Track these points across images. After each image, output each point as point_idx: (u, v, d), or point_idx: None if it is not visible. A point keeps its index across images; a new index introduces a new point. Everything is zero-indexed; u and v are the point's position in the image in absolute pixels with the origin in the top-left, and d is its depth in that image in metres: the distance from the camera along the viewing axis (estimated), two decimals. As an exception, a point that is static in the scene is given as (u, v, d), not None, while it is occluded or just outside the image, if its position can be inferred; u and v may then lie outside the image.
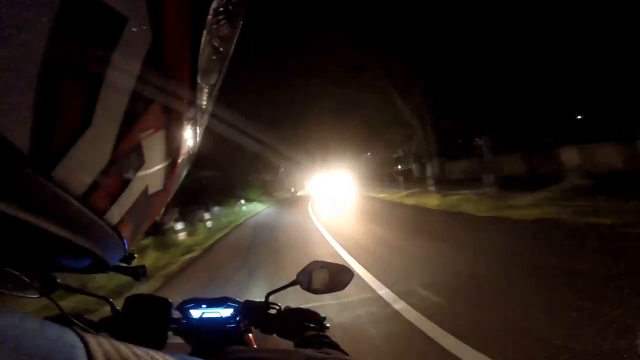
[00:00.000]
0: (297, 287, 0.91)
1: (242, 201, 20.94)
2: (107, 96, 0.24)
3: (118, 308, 0.88)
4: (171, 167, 0.36)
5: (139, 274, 0.74)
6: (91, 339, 0.22)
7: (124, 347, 0.23)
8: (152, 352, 0.25)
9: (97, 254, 0.31)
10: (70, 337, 0.21)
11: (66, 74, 0.21)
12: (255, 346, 0.95)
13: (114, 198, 0.30)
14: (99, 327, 0.86)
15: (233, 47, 0.37)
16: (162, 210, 0.45)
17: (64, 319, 0.73)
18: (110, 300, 0.88)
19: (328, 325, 0.92)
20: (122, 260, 0.63)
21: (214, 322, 0.93)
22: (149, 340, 0.84)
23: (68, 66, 0.21)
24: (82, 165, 0.25)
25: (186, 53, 0.29)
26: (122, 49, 0.23)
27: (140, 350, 0.24)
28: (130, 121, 0.27)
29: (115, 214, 0.31)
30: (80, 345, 0.21)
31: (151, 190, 0.35)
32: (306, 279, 0.90)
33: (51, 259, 0.30)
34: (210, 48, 0.32)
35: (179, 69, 0.29)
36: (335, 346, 0.74)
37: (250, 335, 0.96)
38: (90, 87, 0.23)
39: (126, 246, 0.36)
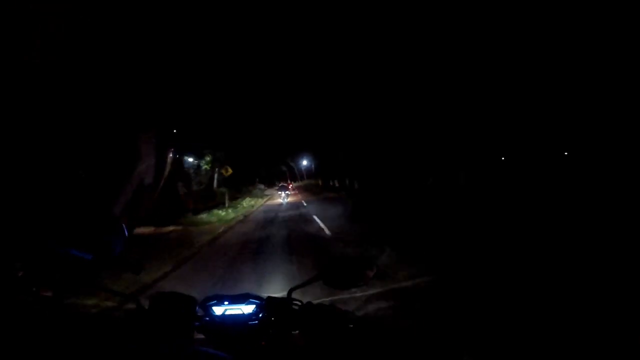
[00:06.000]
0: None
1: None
2: None
3: (144, 305, 0.88)
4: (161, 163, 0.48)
5: (137, 267, 0.85)
6: None
7: None
8: None
9: (104, 240, 0.41)
10: None
11: None
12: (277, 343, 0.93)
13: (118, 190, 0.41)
14: (125, 325, 0.87)
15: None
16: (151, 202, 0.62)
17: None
18: (137, 297, 0.88)
19: (352, 320, 0.89)
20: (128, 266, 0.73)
21: (236, 318, 0.92)
22: (175, 337, 0.83)
23: None
24: None
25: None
26: None
27: None
28: None
29: (119, 203, 0.41)
30: None
31: (146, 182, 0.49)
32: (328, 274, 0.87)
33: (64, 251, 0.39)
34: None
35: None
36: (357, 342, 0.71)
37: (271, 331, 0.94)
38: None
39: (126, 232, 0.45)
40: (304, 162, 47.25)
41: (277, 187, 23.25)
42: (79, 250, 0.57)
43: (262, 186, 39.15)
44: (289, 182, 30.32)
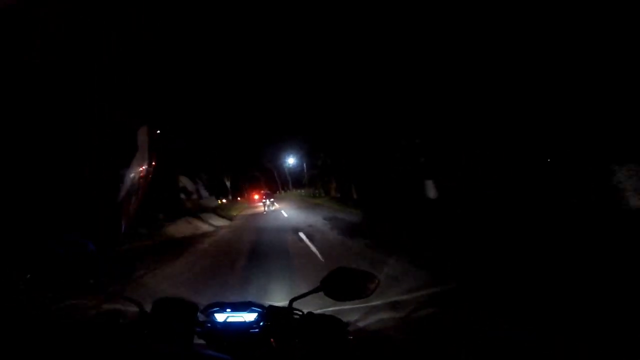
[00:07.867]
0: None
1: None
2: None
3: (147, 310, 0.89)
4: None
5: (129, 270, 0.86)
6: None
7: None
8: None
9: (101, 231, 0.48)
10: None
11: None
12: (277, 351, 0.94)
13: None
14: (128, 329, 0.88)
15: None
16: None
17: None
18: (140, 301, 0.90)
19: (352, 331, 0.89)
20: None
21: (237, 326, 0.93)
22: (176, 342, 0.85)
23: None
24: None
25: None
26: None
27: None
28: None
29: (121, 193, 0.50)
30: None
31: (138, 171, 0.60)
32: (330, 286, 0.88)
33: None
34: None
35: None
36: (356, 353, 0.71)
37: (272, 340, 0.95)
38: None
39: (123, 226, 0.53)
40: (291, 161, 33.84)
41: (263, 194, 19.27)
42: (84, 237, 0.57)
43: (215, 202, 24.23)
44: (263, 191, 22.61)
